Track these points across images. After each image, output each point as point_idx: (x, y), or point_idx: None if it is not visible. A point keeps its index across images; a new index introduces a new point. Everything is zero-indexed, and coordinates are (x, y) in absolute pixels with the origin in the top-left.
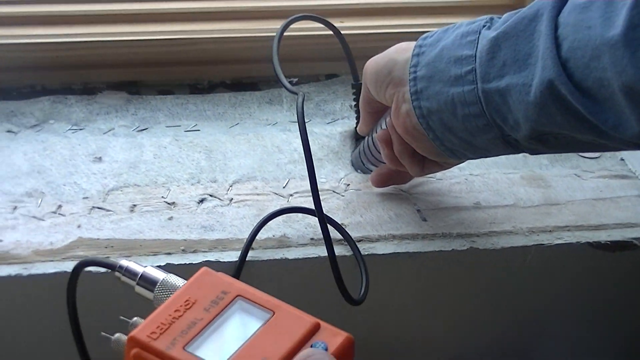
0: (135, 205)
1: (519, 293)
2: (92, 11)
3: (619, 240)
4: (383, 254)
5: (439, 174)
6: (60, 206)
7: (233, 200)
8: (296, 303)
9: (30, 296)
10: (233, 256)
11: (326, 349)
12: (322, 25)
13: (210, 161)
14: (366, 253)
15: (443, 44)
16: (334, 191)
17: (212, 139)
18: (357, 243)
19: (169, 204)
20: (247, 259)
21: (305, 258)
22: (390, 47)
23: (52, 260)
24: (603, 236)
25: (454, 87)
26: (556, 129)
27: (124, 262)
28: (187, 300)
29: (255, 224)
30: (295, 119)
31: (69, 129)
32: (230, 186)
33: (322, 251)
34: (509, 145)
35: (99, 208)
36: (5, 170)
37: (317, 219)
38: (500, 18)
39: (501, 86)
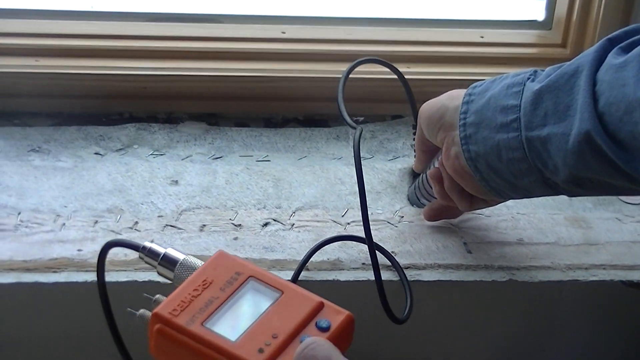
0: (204, 225)
1: (553, 324)
2: (178, 48)
3: None
4: (428, 281)
5: (487, 212)
6: (136, 222)
7: (294, 226)
8: None
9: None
10: (289, 275)
11: (329, 326)
12: (389, 70)
13: (277, 189)
14: (412, 279)
15: (491, 94)
16: (388, 222)
17: (280, 169)
18: (404, 270)
19: (235, 225)
20: (301, 279)
21: (356, 280)
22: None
23: (125, 270)
24: (636, 276)
25: (499, 134)
26: (592, 174)
27: (147, 244)
28: (204, 280)
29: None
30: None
31: (151, 154)
32: (293, 212)
33: (372, 275)
34: (549, 187)
35: (171, 226)
36: (90, 188)
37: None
38: (543, 71)
39: (542, 135)
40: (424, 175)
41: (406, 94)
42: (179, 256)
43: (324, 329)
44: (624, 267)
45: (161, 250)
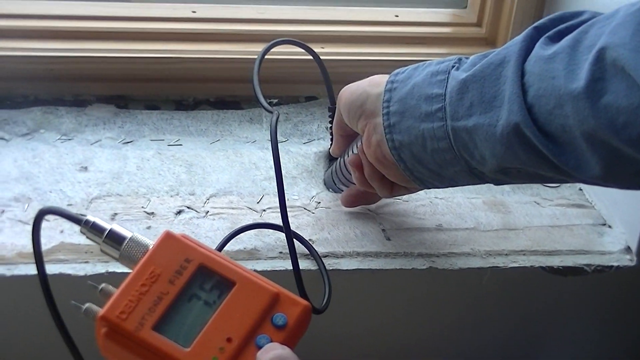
0: (116, 214)
1: (474, 312)
2: (85, 28)
3: (571, 266)
4: (347, 270)
5: (405, 197)
6: None
7: (209, 213)
8: None
9: (13, 295)
10: None
11: (286, 323)
12: (303, 50)
13: (190, 175)
14: (331, 268)
15: (414, 82)
16: (305, 208)
17: (193, 154)
18: (323, 258)
19: (148, 213)
20: None
21: (273, 270)
22: (365, 72)
23: (35, 263)
24: (556, 261)
25: (424, 123)
26: (520, 165)
27: (91, 218)
28: (152, 272)
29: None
30: None
31: (58, 139)
32: (207, 199)
33: (290, 264)
34: (475, 177)
35: (82, 215)
36: None
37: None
38: (467, 59)
39: (469, 125)
40: (342, 160)
41: (322, 75)
42: (126, 234)
43: (280, 327)
44: (544, 252)
45: (107, 226)
